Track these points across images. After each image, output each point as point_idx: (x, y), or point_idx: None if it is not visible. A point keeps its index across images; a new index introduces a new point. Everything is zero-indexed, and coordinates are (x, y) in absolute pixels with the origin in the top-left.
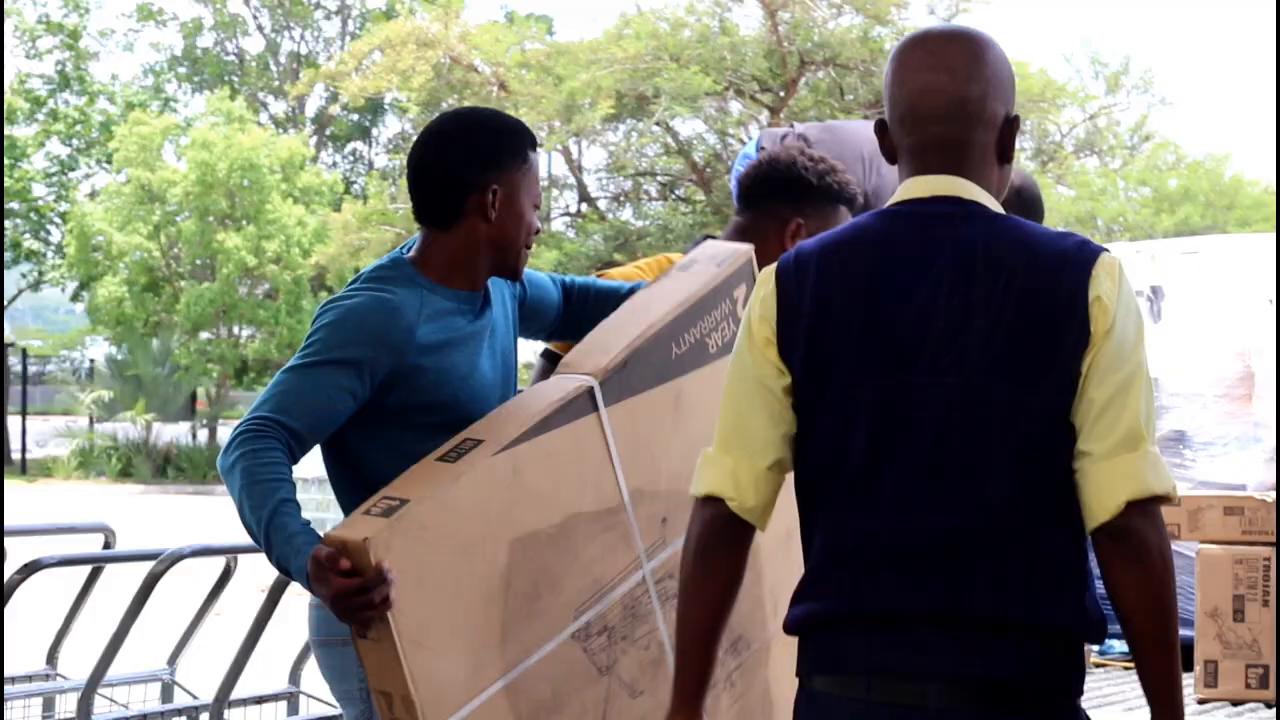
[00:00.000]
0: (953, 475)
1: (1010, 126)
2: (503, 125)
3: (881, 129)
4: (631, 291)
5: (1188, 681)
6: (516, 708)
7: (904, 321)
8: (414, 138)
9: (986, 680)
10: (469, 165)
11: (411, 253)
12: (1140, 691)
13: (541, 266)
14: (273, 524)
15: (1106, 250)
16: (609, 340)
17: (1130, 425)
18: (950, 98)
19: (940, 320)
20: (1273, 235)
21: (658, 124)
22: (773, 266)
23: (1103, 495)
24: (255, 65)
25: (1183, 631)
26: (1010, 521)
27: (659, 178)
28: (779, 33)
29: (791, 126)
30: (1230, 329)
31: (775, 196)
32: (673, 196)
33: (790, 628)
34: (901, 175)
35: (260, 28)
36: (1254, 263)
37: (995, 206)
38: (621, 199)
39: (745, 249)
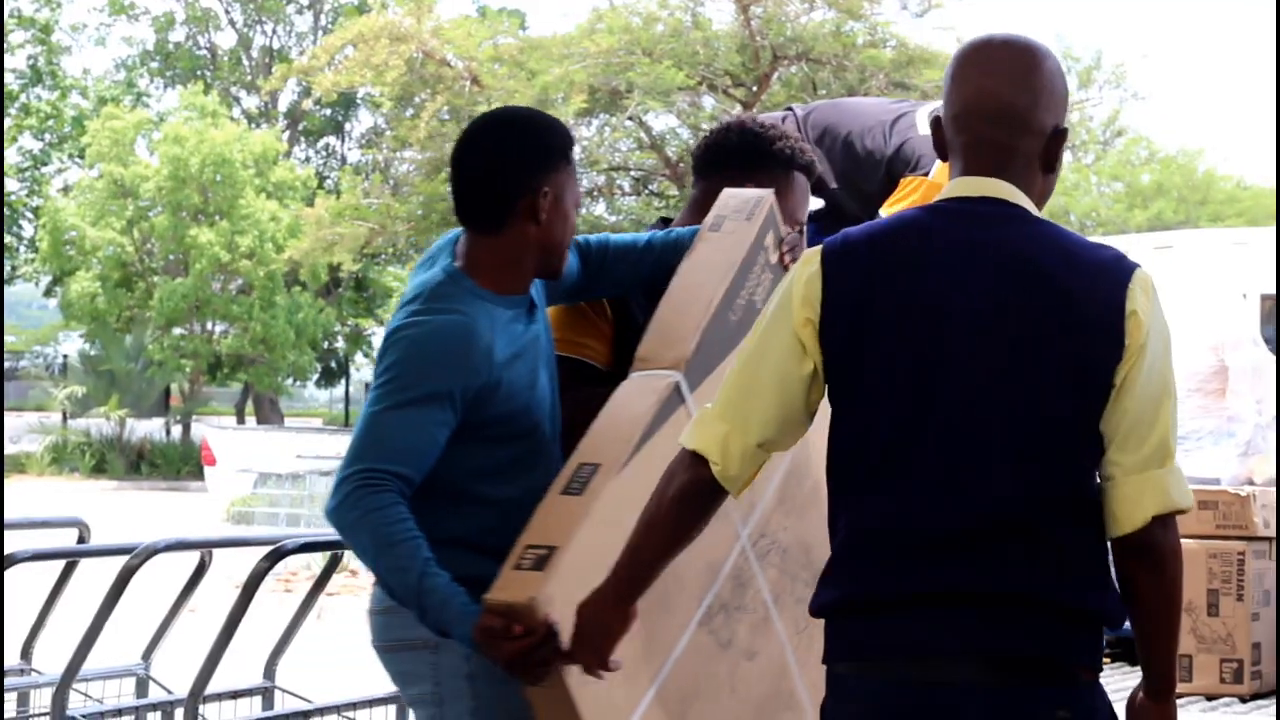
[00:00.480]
0: (970, 468)
1: (1057, 137)
2: (548, 125)
3: (937, 125)
4: (649, 244)
5: None
6: (668, 707)
7: (938, 315)
8: (386, 132)
9: (1009, 655)
10: (521, 168)
11: (459, 261)
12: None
13: None
14: (423, 588)
15: (1141, 266)
16: (676, 327)
17: (1161, 441)
18: (1000, 103)
19: (973, 316)
20: (1245, 230)
21: (630, 119)
22: (818, 248)
23: (1129, 507)
24: (228, 60)
25: None
26: (1017, 517)
27: (632, 172)
28: (752, 27)
29: (791, 110)
30: (1203, 323)
31: (728, 165)
32: (646, 191)
33: (814, 611)
34: (952, 173)
35: (232, 22)
36: (1227, 257)
37: (1036, 212)
38: (595, 193)
39: (767, 194)
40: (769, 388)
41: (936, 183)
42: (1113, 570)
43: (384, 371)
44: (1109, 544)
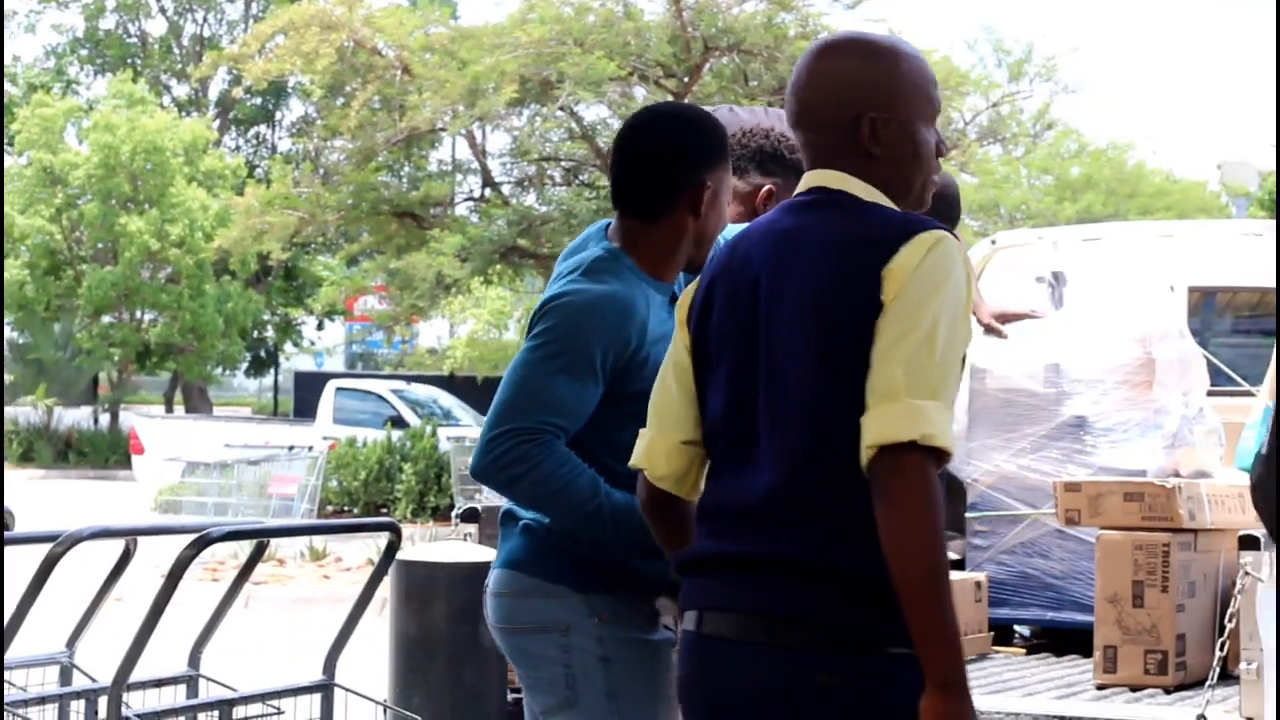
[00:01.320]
0: (772, 444)
1: (856, 125)
2: (715, 123)
3: None
4: None
5: (1086, 668)
6: None
7: (755, 305)
8: (317, 121)
9: (773, 615)
10: (689, 160)
11: (618, 243)
12: (1040, 677)
13: (444, 251)
14: (611, 516)
15: (938, 230)
16: None
17: (890, 380)
18: (794, 107)
19: (777, 303)
20: (1173, 223)
21: (562, 109)
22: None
23: (862, 444)
24: (158, 48)
25: (1082, 617)
26: (807, 486)
27: (563, 163)
28: (683, 18)
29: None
30: (1131, 315)
31: (775, 167)
32: (577, 182)
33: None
34: None
35: (163, 10)
36: (1154, 250)
37: (864, 192)
38: (525, 184)
39: None
40: (676, 385)
41: None
42: None
43: (539, 335)
44: None
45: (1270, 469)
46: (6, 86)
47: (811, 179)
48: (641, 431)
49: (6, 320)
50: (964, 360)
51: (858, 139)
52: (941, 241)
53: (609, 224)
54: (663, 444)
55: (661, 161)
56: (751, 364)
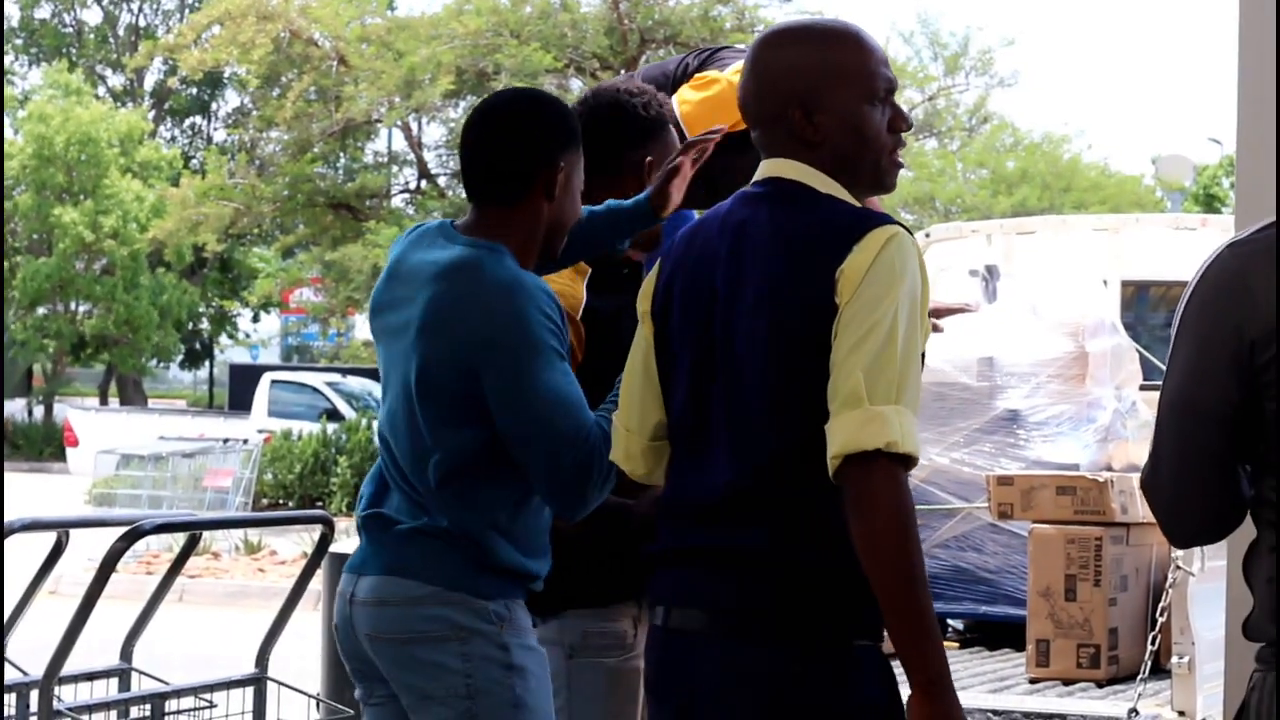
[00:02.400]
0: (730, 438)
1: (791, 117)
2: (563, 105)
3: None
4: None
5: (1019, 662)
6: None
7: (713, 297)
8: (252, 112)
9: (740, 610)
10: (542, 142)
11: (483, 237)
12: (973, 671)
13: (380, 243)
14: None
15: (891, 225)
16: None
17: (852, 386)
18: (742, 99)
19: (735, 295)
20: (1108, 216)
21: None
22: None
23: (831, 449)
24: (93, 37)
25: (1015, 611)
26: (767, 481)
27: None
28: (620, 10)
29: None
30: (1064, 309)
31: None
32: None
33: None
34: None
35: (98, 0)
36: (1088, 243)
37: (818, 183)
38: (459, 176)
39: None
40: (641, 381)
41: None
42: None
43: (537, 335)
44: None
45: (1151, 469)
46: None
47: (767, 168)
48: (615, 420)
49: None
50: (923, 357)
51: (796, 130)
52: (894, 239)
53: (446, 223)
54: (637, 444)
55: (514, 146)
56: (709, 361)
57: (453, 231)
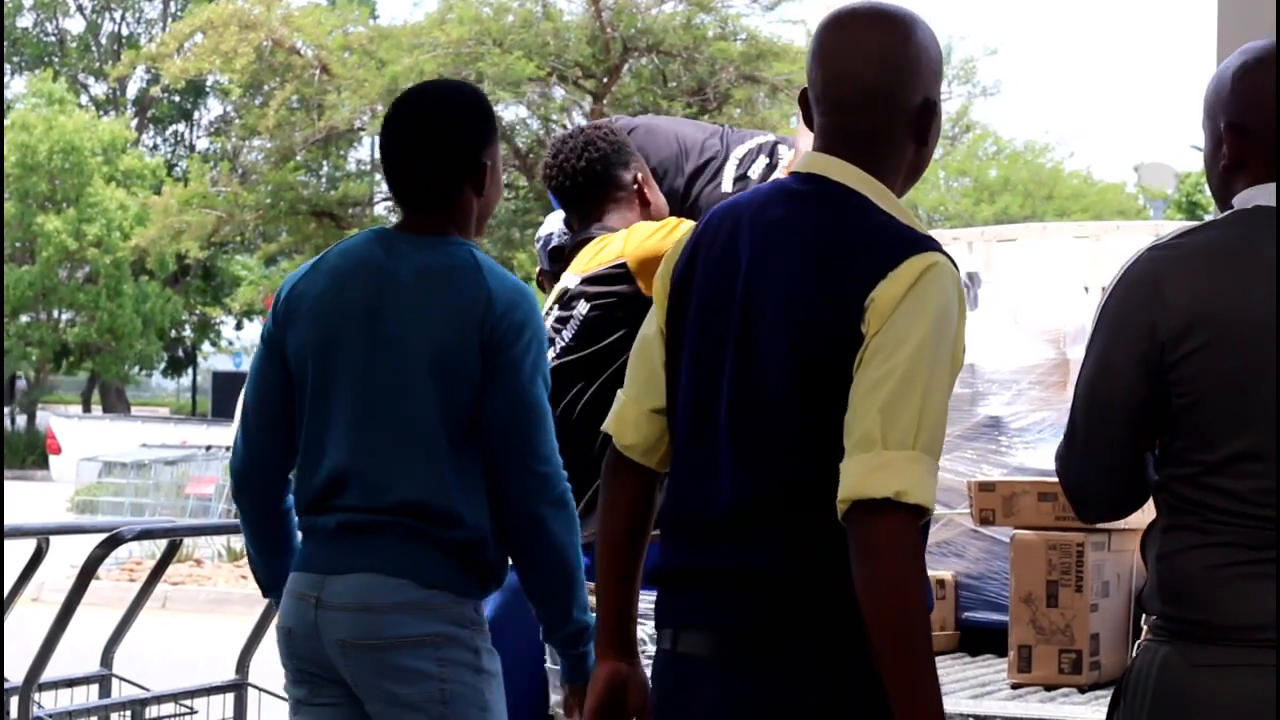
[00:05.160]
0: (733, 454)
1: (927, 111)
2: (482, 95)
3: (803, 98)
4: None
5: (1000, 667)
6: None
7: (729, 294)
8: (235, 120)
9: (753, 632)
10: (473, 142)
11: (432, 233)
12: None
13: None
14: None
15: (930, 253)
16: None
17: (867, 428)
18: (862, 86)
19: (751, 301)
20: (1089, 224)
21: None
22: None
23: (840, 492)
24: (76, 46)
25: (996, 617)
26: (784, 491)
27: None
28: (602, 19)
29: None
30: (1045, 316)
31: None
32: None
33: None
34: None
35: (81, 8)
36: (1069, 251)
37: (873, 192)
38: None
39: None
40: (645, 353)
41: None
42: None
43: (531, 346)
44: None
45: (1064, 447)
46: None
47: (815, 164)
48: (618, 393)
49: None
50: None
51: (914, 123)
52: (932, 268)
53: (381, 230)
54: (633, 411)
55: (448, 156)
56: (720, 359)
57: (402, 235)
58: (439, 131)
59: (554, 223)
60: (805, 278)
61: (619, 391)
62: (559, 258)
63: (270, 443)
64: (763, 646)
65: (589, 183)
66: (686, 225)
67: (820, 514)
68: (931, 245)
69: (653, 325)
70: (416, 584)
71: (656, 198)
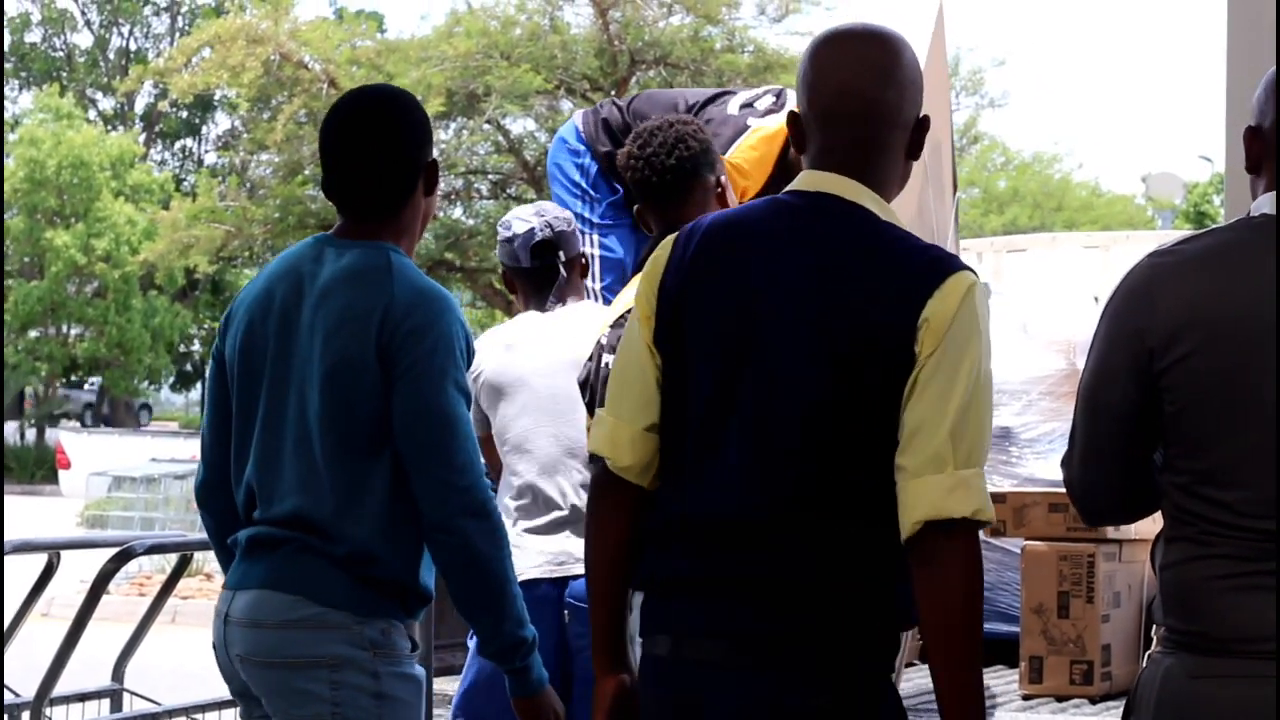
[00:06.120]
0: (756, 463)
1: (921, 127)
2: (416, 101)
3: (794, 120)
4: None
5: (1011, 679)
6: None
7: (747, 309)
8: (243, 134)
9: (765, 638)
10: (415, 151)
11: (370, 238)
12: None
13: None
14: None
15: (966, 271)
16: None
17: (937, 448)
18: (866, 102)
19: (776, 313)
20: (1098, 234)
21: (488, 122)
22: (673, 235)
23: (905, 512)
24: (84, 61)
25: (1007, 628)
26: (793, 510)
27: (490, 176)
28: (610, 32)
29: (614, 103)
30: (1055, 326)
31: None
32: (504, 195)
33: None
34: (806, 165)
35: (89, 23)
36: (1079, 261)
37: (880, 208)
38: (452, 197)
39: None
40: (635, 372)
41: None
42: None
43: (448, 357)
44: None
45: (1068, 451)
46: None
47: (818, 181)
48: (598, 415)
49: None
50: None
51: (913, 139)
52: (975, 287)
53: (321, 235)
54: (626, 432)
55: (392, 166)
56: (736, 374)
57: (336, 240)
58: (388, 134)
59: (528, 217)
60: (832, 294)
61: (600, 411)
62: (543, 253)
63: (222, 458)
64: (780, 651)
65: (677, 181)
66: None
67: (835, 520)
68: (961, 262)
69: (639, 342)
70: (311, 601)
71: (735, 203)
